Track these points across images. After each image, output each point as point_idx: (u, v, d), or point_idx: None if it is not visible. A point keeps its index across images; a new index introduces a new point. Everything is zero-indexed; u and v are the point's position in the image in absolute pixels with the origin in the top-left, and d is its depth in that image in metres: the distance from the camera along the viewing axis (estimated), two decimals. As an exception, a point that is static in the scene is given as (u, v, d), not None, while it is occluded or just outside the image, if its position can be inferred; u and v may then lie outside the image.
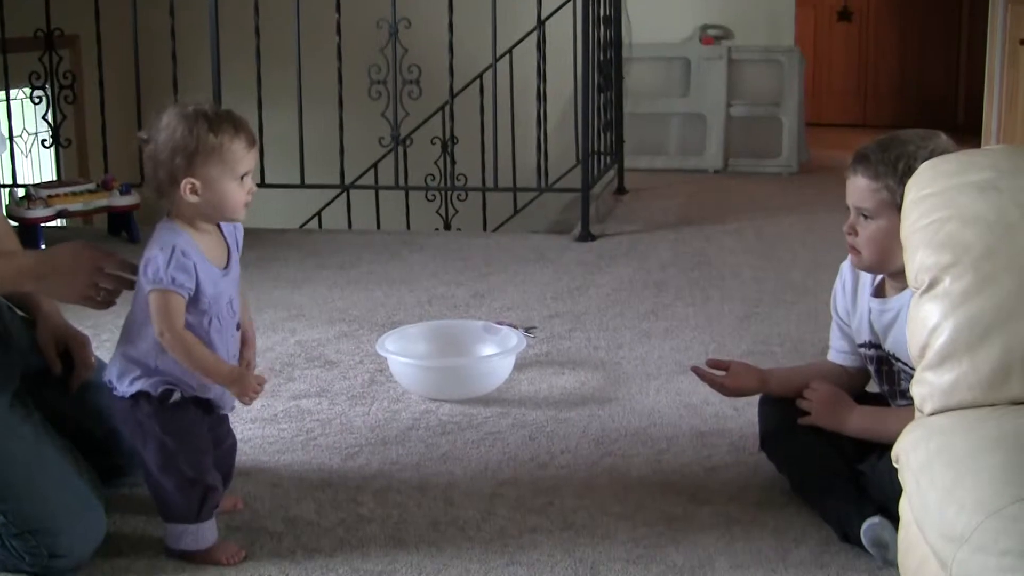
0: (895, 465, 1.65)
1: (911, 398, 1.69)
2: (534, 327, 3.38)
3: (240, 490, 2.27)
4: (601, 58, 5.10)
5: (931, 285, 1.64)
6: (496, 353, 2.93)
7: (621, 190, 5.61)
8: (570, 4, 5.27)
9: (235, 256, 2.02)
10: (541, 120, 5.23)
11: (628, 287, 3.88)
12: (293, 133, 4.77)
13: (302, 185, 4.89)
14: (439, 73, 4.78)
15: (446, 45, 4.70)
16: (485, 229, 5.43)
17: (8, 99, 4.92)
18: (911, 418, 1.68)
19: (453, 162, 4.93)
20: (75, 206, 4.38)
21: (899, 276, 1.99)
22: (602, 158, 5.20)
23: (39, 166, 5.93)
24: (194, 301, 1.92)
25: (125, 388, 1.96)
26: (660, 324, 3.45)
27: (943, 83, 8.36)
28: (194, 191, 1.91)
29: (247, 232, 2.10)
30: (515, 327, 3.13)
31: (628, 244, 4.51)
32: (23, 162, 5.72)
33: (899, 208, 1.79)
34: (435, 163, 5.07)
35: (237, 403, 2.03)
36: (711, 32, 6.40)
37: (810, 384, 2.24)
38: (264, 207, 3.92)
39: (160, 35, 4.80)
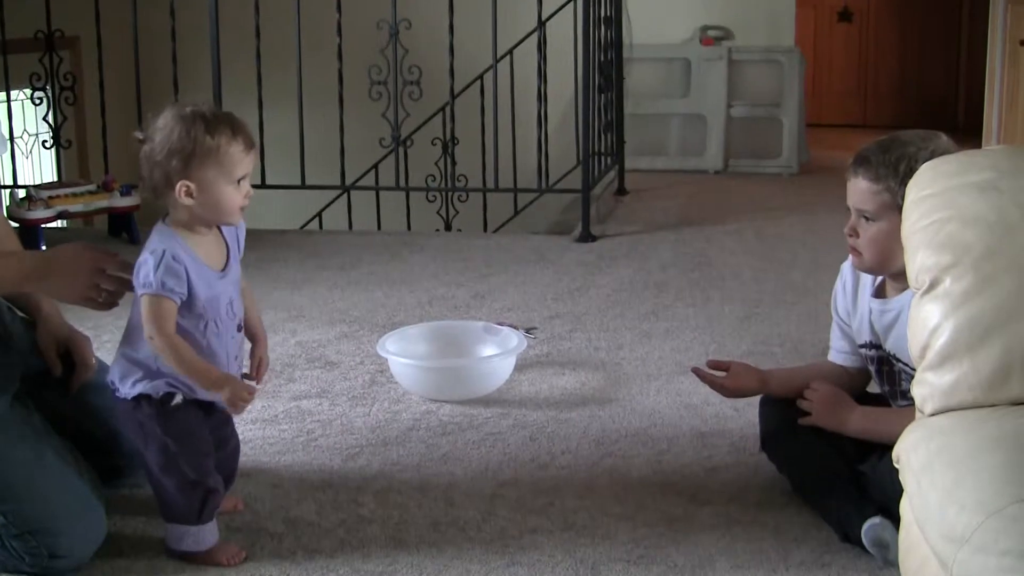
0: (896, 465, 1.65)
1: (912, 399, 1.69)
2: (534, 328, 3.38)
3: (241, 491, 2.26)
4: (602, 59, 5.09)
5: (932, 286, 1.64)
6: (496, 354, 2.94)
7: (622, 191, 5.61)
8: (571, 5, 5.27)
9: (235, 257, 2.01)
10: (541, 121, 5.23)
11: (628, 288, 3.88)
12: (294, 134, 4.77)
13: (303, 186, 4.89)
14: (440, 74, 4.78)
15: (447, 46, 4.70)
16: (486, 230, 5.43)
17: (9, 100, 4.92)
18: (912, 418, 1.68)
19: (454, 163, 4.93)
20: (76, 207, 4.38)
21: (900, 277, 1.99)
22: (602, 159, 5.20)
23: (40, 167, 5.93)
24: (188, 305, 1.91)
25: (127, 390, 1.96)
26: (660, 325, 3.45)
27: (943, 83, 8.36)
28: (189, 194, 1.89)
29: (247, 233, 2.09)
30: (515, 328, 3.13)
31: (628, 245, 4.50)
32: (24, 163, 5.71)
33: (900, 209, 1.78)
34: (436, 164, 5.07)
35: (237, 404, 2.03)
36: (711, 33, 6.40)
37: (810, 384, 2.24)
38: (264, 208, 3.93)
39: (160, 36, 4.79)
